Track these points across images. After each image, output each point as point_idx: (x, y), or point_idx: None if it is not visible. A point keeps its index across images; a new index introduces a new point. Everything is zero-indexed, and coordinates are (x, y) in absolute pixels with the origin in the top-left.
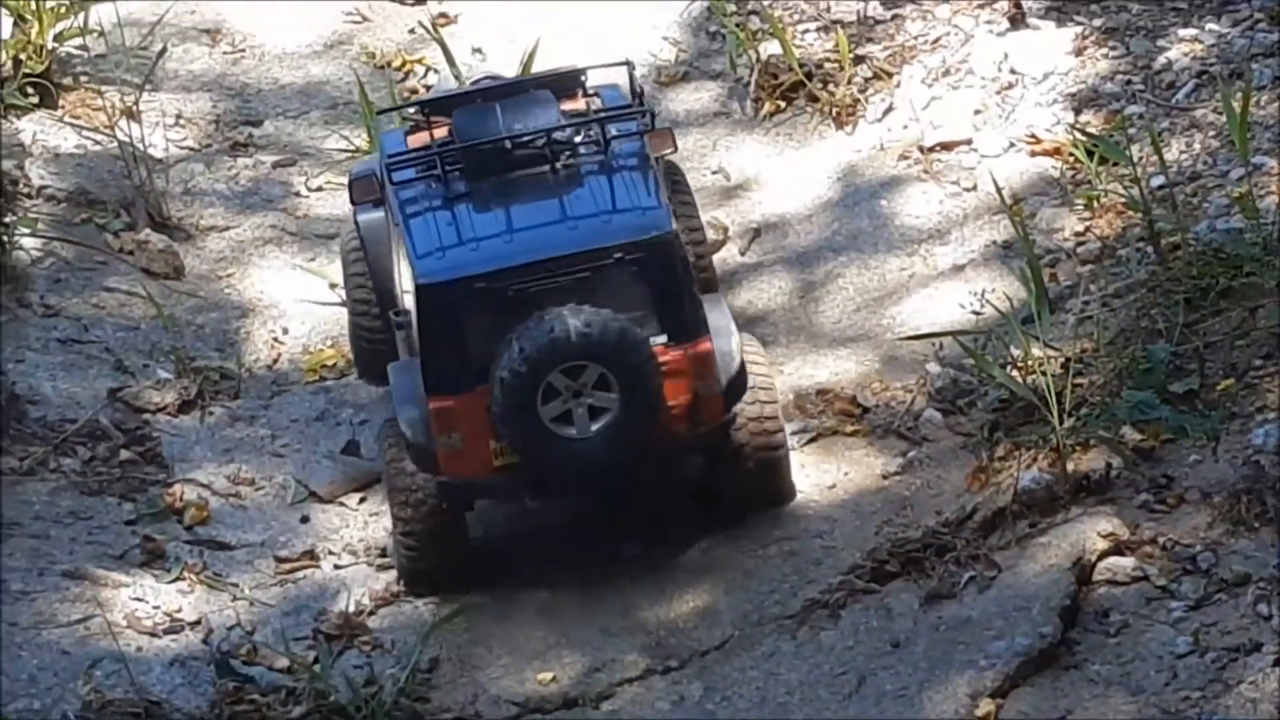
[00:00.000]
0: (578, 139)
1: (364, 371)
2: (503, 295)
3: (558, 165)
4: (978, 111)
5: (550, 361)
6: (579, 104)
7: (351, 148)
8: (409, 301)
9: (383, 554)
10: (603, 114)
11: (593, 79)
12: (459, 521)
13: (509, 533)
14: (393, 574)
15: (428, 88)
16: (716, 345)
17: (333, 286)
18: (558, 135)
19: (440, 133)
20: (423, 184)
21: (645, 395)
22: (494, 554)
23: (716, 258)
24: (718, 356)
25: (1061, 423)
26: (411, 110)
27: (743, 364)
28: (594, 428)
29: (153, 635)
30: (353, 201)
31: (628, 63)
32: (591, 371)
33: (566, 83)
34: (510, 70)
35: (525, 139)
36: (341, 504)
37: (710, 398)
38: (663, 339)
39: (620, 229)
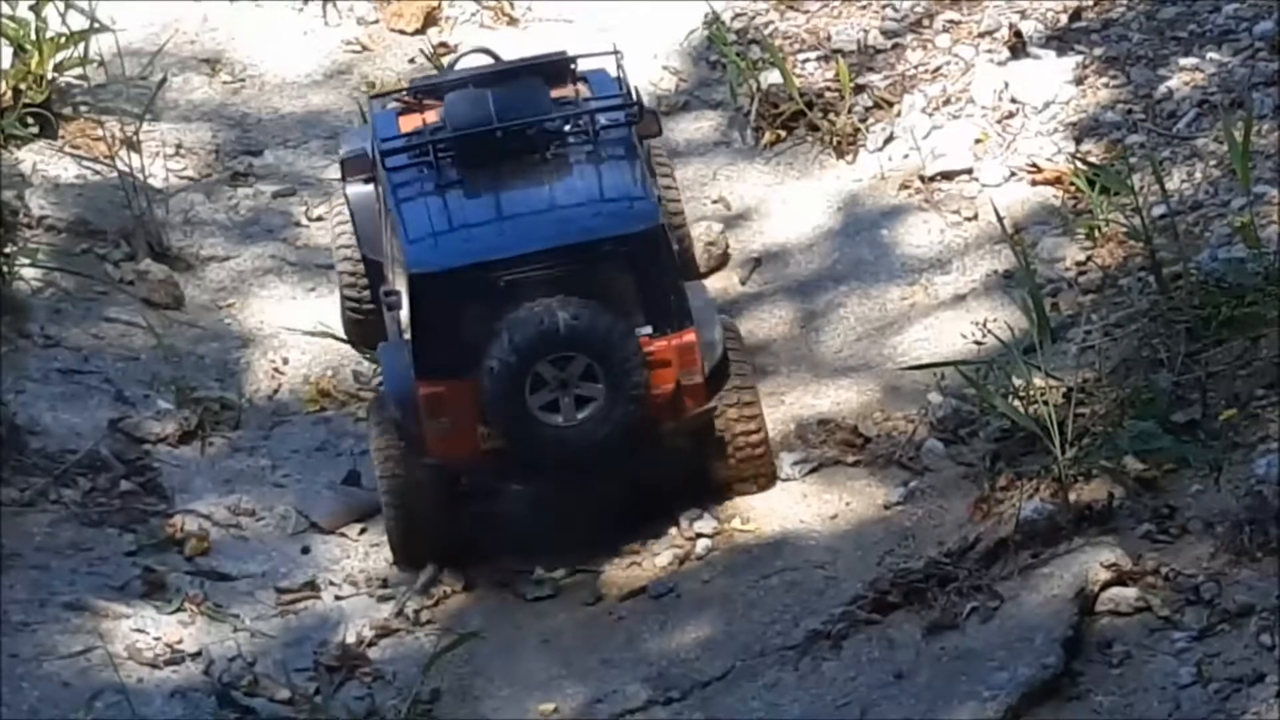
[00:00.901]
0: (567, 128)
1: (353, 341)
2: (493, 284)
3: (548, 153)
4: (978, 141)
5: (539, 352)
6: (567, 90)
7: None
8: (399, 281)
9: (384, 584)
10: (593, 104)
11: (581, 69)
12: (448, 498)
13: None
14: (393, 605)
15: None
16: (700, 335)
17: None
18: (548, 124)
19: (431, 116)
20: (415, 169)
21: (630, 386)
22: (489, 547)
23: (717, 287)
24: (701, 346)
25: (1063, 453)
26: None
27: (725, 353)
28: (580, 416)
29: (154, 667)
30: (343, 178)
31: (616, 52)
32: (579, 362)
33: (555, 69)
34: None
35: (516, 127)
36: (342, 535)
37: (693, 386)
38: (648, 330)
39: (609, 221)
